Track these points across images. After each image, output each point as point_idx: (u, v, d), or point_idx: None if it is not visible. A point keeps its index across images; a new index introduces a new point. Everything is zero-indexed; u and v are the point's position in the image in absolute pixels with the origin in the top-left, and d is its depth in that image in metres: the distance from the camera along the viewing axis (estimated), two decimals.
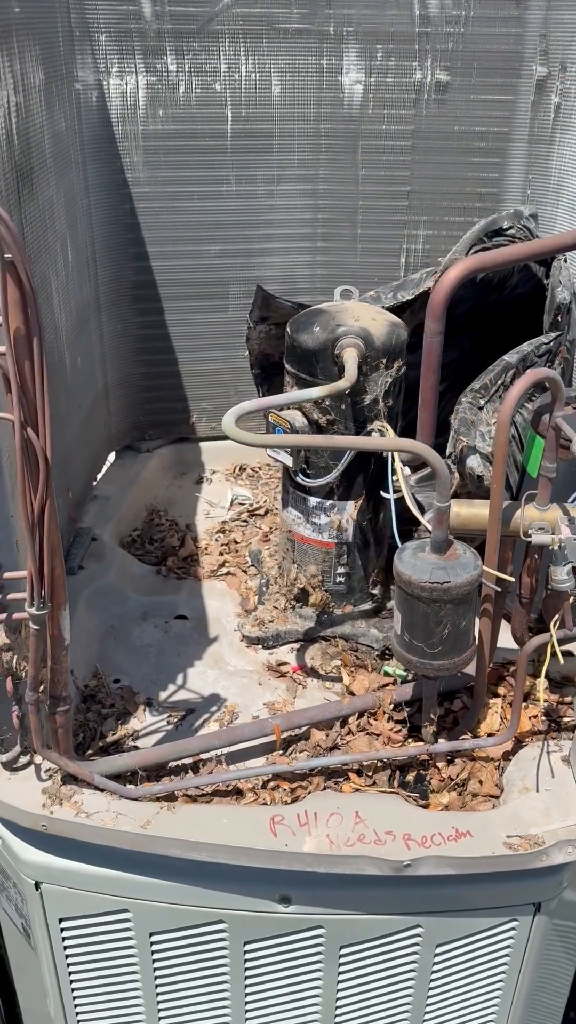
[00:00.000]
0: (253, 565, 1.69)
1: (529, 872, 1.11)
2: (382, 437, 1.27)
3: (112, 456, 2.03)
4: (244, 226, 1.85)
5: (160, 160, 1.76)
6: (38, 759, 1.17)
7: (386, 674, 1.39)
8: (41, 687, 1.08)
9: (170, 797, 1.15)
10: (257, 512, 1.91)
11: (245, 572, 1.71)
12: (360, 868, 1.05)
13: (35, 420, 0.89)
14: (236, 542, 1.81)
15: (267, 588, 1.58)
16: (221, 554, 1.76)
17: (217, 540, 1.81)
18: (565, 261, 1.59)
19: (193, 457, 2.10)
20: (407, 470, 1.22)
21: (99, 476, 1.94)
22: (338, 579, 1.47)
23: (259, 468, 2.08)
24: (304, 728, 1.30)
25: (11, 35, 1.24)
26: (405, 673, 1.37)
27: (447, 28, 1.72)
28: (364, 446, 1.25)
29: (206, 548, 1.78)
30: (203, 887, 1.13)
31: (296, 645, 1.49)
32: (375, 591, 1.51)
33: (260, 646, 1.49)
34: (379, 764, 1.23)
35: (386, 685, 1.36)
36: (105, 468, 1.98)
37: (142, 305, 1.90)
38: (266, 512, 1.91)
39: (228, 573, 1.71)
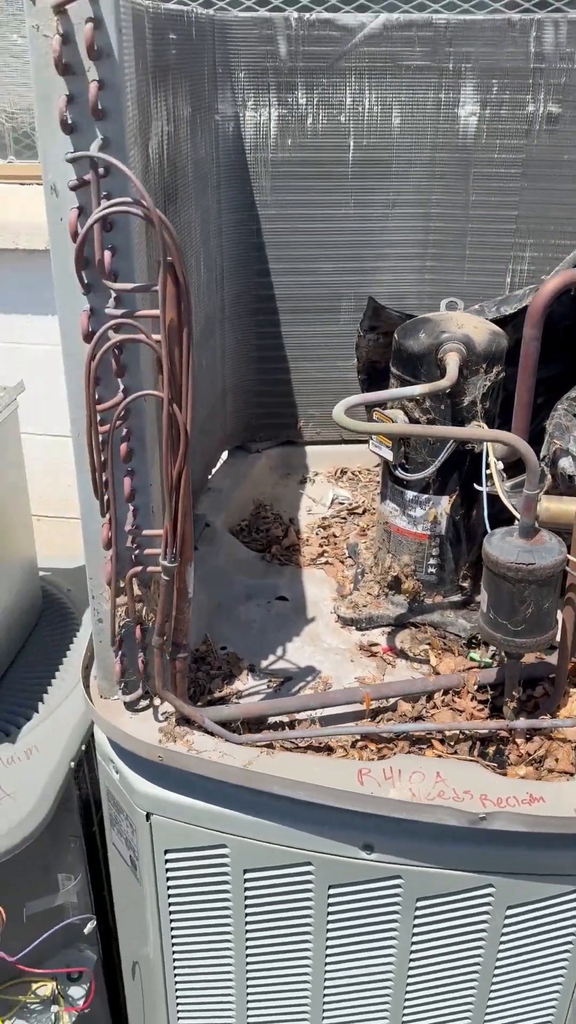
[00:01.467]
0: (350, 556, 1.82)
1: None
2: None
3: (225, 454, 2.20)
4: (359, 246, 2.00)
5: (286, 185, 1.93)
6: (156, 702, 1.32)
7: (471, 660, 1.50)
8: (164, 637, 1.23)
9: (269, 746, 1.29)
10: (356, 511, 2.04)
11: (342, 563, 1.84)
12: (439, 818, 1.16)
13: (180, 399, 1.05)
14: (335, 536, 1.94)
15: (362, 576, 1.70)
16: (320, 546, 1.90)
17: (317, 534, 1.94)
18: None
19: (298, 459, 2.25)
20: (500, 465, 1.33)
21: (213, 471, 2.12)
22: (430, 569, 1.58)
23: (359, 472, 2.21)
24: (392, 700, 1.41)
25: (168, 74, 1.42)
26: (491, 660, 1.47)
27: (560, 64, 1.83)
28: (462, 436, 1.36)
29: (307, 540, 1.92)
30: (295, 828, 1.26)
31: (387, 629, 1.61)
32: (464, 584, 1.61)
33: (354, 627, 1.61)
34: (461, 736, 1.33)
35: (471, 669, 1.47)
36: (219, 464, 2.15)
37: (260, 317, 2.07)
38: (364, 511, 2.04)
39: (326, 562, 1.84)
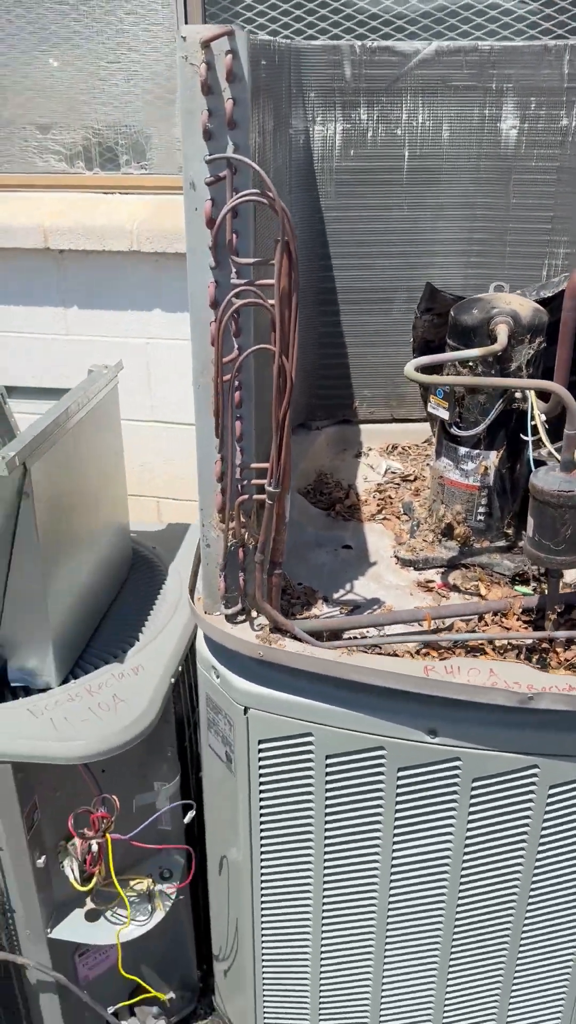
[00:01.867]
0: (405, 513, 2.07)
1: None
2: (525, 396, 1.63)
3: None
4: (411, 244, 2.26)
5: (348, 190, 2.20)
6: (253, 614, 1.58)
7: (516, 591, 1.74)
8: (264, 555, 1.49)
9: (348, 650, 1.54)
10: (408, 479, 2.29)
11: (398, 518, 2.09)
12: (493, 698, 1.40)
13: (288, 351, 1.32)
14: (390, 498, 2.19)
15: (418, 527, 1.95)
16: (378, 505, 2.15)
17: (374, 497, 2.20)
18: None
19: (353, 436, 2.50)
20: (544, 417, 1.57)
21: None
22: (479, 517, 1.83)
23: (408, 447, 2.46)
24: (449, 621, 1.66)
25: (260, 94, 1.70)
26: (532, 592, 1.71)
27: None
28: (512, 384, 1.61)
29: (365, 501, 2.18)
30: (370, 716, 1.51)
31: (441, 569, 1.86)
32: (509, 531, 1.86)
33: (412, 568, 1.86)
34: (509, 646, 1.58)
35: (516, 596, 1.71)
36: None
37: (323, 308, 2.33)
38: (415, 479, 2.29)
39: (384, 519, 2.09)
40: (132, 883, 1.92)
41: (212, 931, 2.05)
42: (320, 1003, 1.87)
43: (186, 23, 2.52)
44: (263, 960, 1.88)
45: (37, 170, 2.76)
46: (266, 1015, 1.96)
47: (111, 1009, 1.95)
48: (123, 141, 2.71)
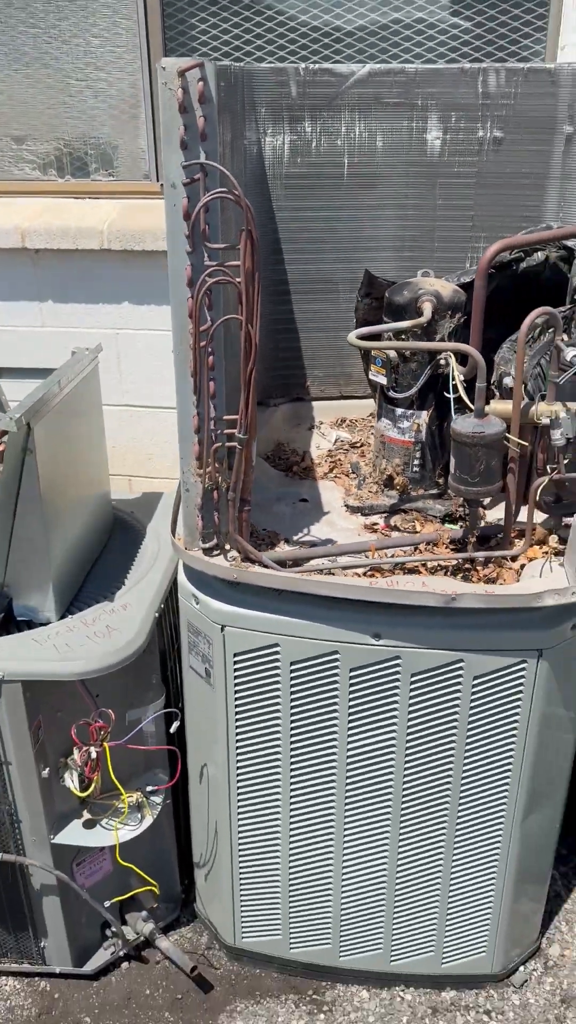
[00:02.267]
0: (353, 471, 2.38)
1: (534, 619, 1.76)
2: (447, 361, 1.96)
3: None
4: (352, 240, 2.57)
5: (295, 193, 2.50)
6: (227, 548, 1.88)
7: (446, 527, 2.07)
8: (235, 493, 1.79)
9: (308, 573, 1.85)
10: (355, 445, 2.61)
11: (346, 476, 2.40)
12: (425, 600, 1.72)
13: (252, 320, 1.62)
14: (339, 461, 2.51)
15: (364, 481, 2.27)
16: (329, 467, 2.47)
17: (326, 460, 2.51)
18: None
19: (306, 412, 2.81)
20: (462, 378, 1.90)
21: None
22: (414, 469, 2.16)
23: (355, 420, 2.78)
24: (391, 552, 1.98)
25: (222, 111, 2.01)
26: (459, 528, 2.04)
27: (502, 100, 2.43)
28: (434, 347, 1.93)
29: (318, 464, 2.49)
30: (326, 625, 1.81)
31: (384, 514, 2.17)
32: (440, 480, 2.18)
33: (359, 514, 2.17)
34: (438, 566, 1.90)
35: (445, 531, 2.04)
36: None
37: (277, 298, 2.63)
38: (361, 445, 2.61)
39: (335, 476, 2.41)
40: (123, 797, 2.19)
41: (193, 840, 2.34)
42: (290, 890, 2.17)
43: (147, 47, 2.82)
44: (239, 857, 2.17)
45: (13, 177, 3.03)
46: (243, 910, 2.25)
47: (107, 903, 2.22)
48: (92, 151, 3.00)
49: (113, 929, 2.30)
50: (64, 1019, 2.21)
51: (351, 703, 1.89)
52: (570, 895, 2.52)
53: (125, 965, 2.35)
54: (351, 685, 1.87)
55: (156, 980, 2.31)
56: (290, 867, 2.14)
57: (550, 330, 1.92)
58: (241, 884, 2.21)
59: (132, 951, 2.36)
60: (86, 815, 2.16)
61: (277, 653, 1.87)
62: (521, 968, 2.30)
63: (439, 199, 2.54)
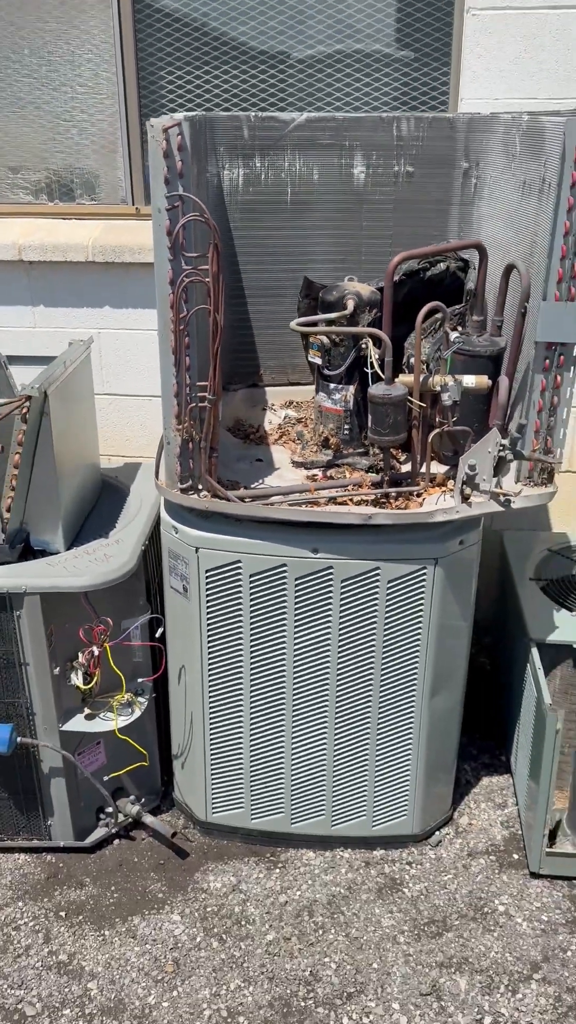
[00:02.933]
0: (297, 438, 2.96)
1: (431, 536, 2.35)
2: (366, 345, 2.54)
3: None
4: (295, 254, 3.15)
5: (248, 216, 3.07)
6: (199, 487, 2.43)
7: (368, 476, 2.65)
8: (207, 443, 2.36)
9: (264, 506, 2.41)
10: (300, 420, 3.19)
11: (293, 442, 2.98)
12: (349, 519, 2.30)
13: (218, 310, 2.19)
14: (287, 431, 3.08)
15: (306, 445, 2.85)
16: (279, 436, 3.04)
17: (276, 431, 3.09)
18: (471, 264, 2.88)
19: (260, 396, 3.38)
20: (377, 356, 2.48)
21: None
22: (344, 431, 2.73)
23: (300, 402, 3.36)
24: (326, 493, 2.55)
25: (187, 150, 2.58)
26: (379, 476, 2.62)
27: (412, 142, 3.04)
28: (356, 331, 2.51)
29: (270, 434, 3.06)
30: (276, 543, 2.38)
31: (322, 468, 2.75)
32: (365, 441, 2.77)
33: (303, 468, 2.74)
34: (361, 500, 2.48)
35: (367, 477, 2.62)
36: None
37: (235, 301, 3.19)
38: (304, 420, 3.19)
39: (284, 443, 2.98)
40: (116, 697, 2.72)
41: (172, 736, 2.87)
42: (251, 769, 2.72)
43: (124, 94, 3.40)
44: (210, 743, 2.71)
45: (9, 201, 3.58)
46: (213, 789, 2.79)
47: (105, 778, 2.75)
48: (76, 179, 3.55)
49: (108, 810, 2.82)
50: (68, 881, 2.73)
51: (296, 605, 2.46)
52: (478, 783, 3.10)
53: (116, 841, 2.87)
54: (296, 590, 2.44)
55: (142, 851, 2.84)
56: (251, 749, 2.69)
57: (437, 323, 2.52)
58: (212, 767, 2.76)
59: (122, 831, 2.89)
60: (87, 710, 2.69)
61: (239, 568, 2.43)
62: (436, 832, 2.88)
63: (364, 220, 3.14)
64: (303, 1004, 2.34)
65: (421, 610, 2.47)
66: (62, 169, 3.56)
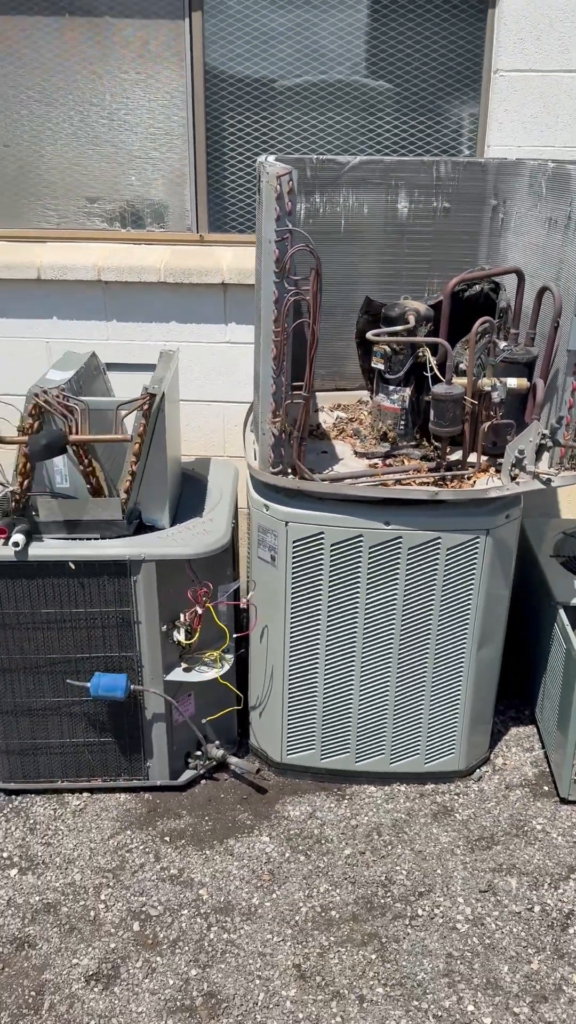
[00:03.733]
0: (354, 435, 3.45)
1: (483, 510, 2.84)
2: (424, 353, 3.04)
3: None
4: (346, 277, 3.66)
5: (320, 245, 3.58)
6: (288, 472, 2.90)
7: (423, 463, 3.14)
8: (297, 433, 2.83)
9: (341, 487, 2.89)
10: (351, 420, 3.68)
11: (350, 437, 3.46)
12: (418, 495, 2.79)
13: (315, 323, 2.68)
14: (343, 429, 3.57)
15: (364, 438, 3.34)
16: (336, 432, 3.53)
17: (333, 429, 3.57)
18: (502, 287, 3.40)
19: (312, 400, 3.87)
20: (434, 362, 2.97)
21: None
22: (400, 427, 3.23)
23: (347, 405, 3.85)
24: (390, 477, 3.04)
25: (294, 192, 3.07)
26: (433, 463, 3.11)
27: (449, 181, 3.57)
28: (420, 341, 3.01)
29: (329, 431, 3.55)
30: (354, 517, 2.86)
31: (381, 457, 3.23)
32: (418, 435, 3.26)
33: (364, 458, 3.23)
34: (422, 482, 2.96)
35: (423, 465, 3.10)
36: None
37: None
38: (353, 419, 3.67)
39: (342, 438, 3.47)
40: (207, 655, 3.17)
41: (250, 689, 3.32)
42: (323, 714, 3.18)
43: (193, 133, 3.88)
44: (288, 692, 3.17)
45: (88, 228, 4.04)
46: (288, 734, 3.24)
47: (203, 721, 3.19)
48: (147, 209, 4.03)
49: (197, 753, 3.27)
50: (167, 814, 3.17)
51: (369, 569, 2.94)
52: (508, 732, 3.59)
53: (203, 782, 3.32)
54: (370, 557, 2.92)
55: (227, 789, 3.28)
56: (324, 696, 3.16)
57: (486, 335, 3.03)
58: (288, 714, 3.21)
59: (207, 773, 3.33)
60: (183, 664, 3.14)
61: (322, 538, 2.91)
62: (478, 769, 3.36)
63: (405, 249, 3.64)
64: (383, 901, 2.80)
65: (474, 573, 2.95)
66: (134, 199, 4.03)
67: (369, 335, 2.96)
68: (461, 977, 2.56)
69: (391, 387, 3.18)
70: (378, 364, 3.16)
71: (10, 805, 3.20)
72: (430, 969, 2.58)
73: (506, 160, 3.49)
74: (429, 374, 2.99)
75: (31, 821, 3.12)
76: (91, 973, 2.58)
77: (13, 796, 3.23)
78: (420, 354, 3.07)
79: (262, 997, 2.50)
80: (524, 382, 2.97)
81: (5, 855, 2.98)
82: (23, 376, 4.00)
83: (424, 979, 2.55)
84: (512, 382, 2.96)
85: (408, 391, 3.17)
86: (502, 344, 2.95)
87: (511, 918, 2.74)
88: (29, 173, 4.01)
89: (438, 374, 2.95)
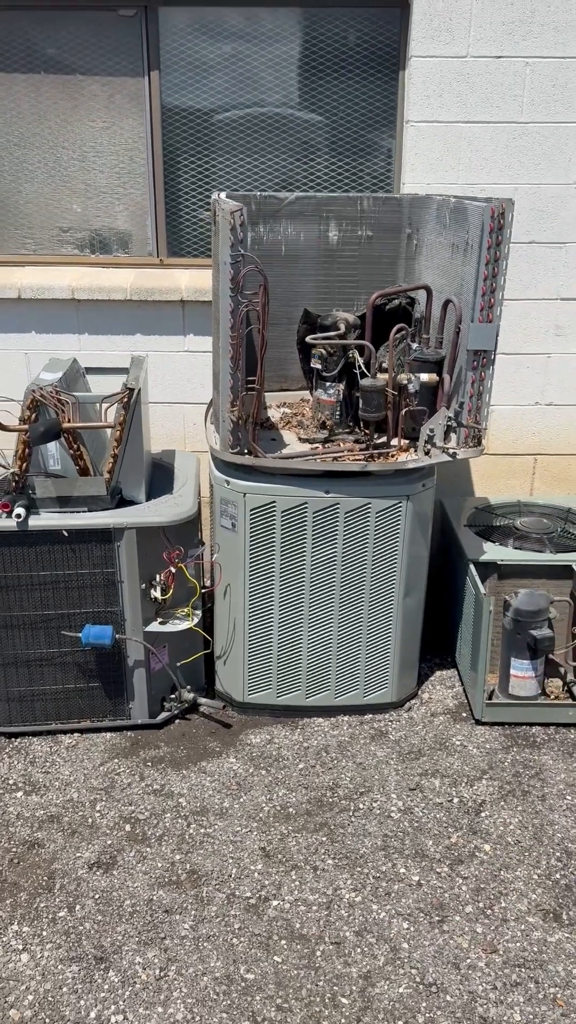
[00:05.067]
0: (298, 425, 4.09)
1: (404, 480, 3.51)
2: (353, 354, 3.70)
3: None
4: (286, 294, 4.31)
5: (265, 267, 4.23)
6: (245, 451, 3.52)
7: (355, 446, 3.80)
8: (251, 418, 3.46)
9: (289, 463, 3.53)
10: (296, 414, 4.32)
11: (295, 428, 4.11)
12: (351, 467, 3.44)
13: (264, 331, 3.32)
14: (289, 421, 4.21)
15: (306, 427, 3.98)
16: (283, 424, 4.17)
17: (280, 421, 4.21)
18: (416, 300, 4.09)
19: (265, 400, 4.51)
20: (361, 361, 3.63)
21: None
22: (336, 416, 3.88)
23: (291, 403, 4.50)
24: (330, 456, 3.68)
25: (246, 224, 3.71)
26: (363, 444, 3.77)
27: (371, 214, 4.26)
28: (349, 343, 3.67)
29: (277, 422, 4.19)
30: (300, 488, 3.49)
31: (321, 442, 3.88)
32: (351, 424, 3.92)
33: (307, 443, 3.87)
34: (356, 459, 3.62)
35: (355, 447, 3.76)
36: None
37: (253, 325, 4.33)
38: (297, 415, 4.32)
39: (288, 428, 4.11)
40: (180, 611, 3.76)
41: (215, 641, 3.92)
42: (278, 658, 3.79)
43: (152, 172, 4.51)
44: (248, 641, 3.78)
45: (62, 254, 4.64)
46: (249, 677, 3.84)
47: (178, 664, 3.77)
48: (114, 237, 4.64)
49: (172, 696, 3.84)
50: (147, 746, 3.73)
51: (313, 532, 3.57)
52: (432, 675, 4.24)
53: (177, 721, 3.89)
54: (313, 521, 3.55)
55: (198, 725, 3.87)
56: (279, 643, 3.77)
57: (403, 339, 3.71)
58: (249, 659, 3.81)
59: (180, 714, 3.91)
60: (159, 619, 3.72)
61: (274, 507, 3.54)
62: (407, 702, 4.00)
63: (336, 270, 4.32)
64: (331, 800, 3.41)
65: (398, 532, 3.61)
66: (102, 229, 4.64)
67: (308, 339, 3.61)
68: (395, 850, 3.18)
69: (327, 383, 3.84)
70: (316, 364, 3.81)
71: (10, 745, 3.73)
72: (370, 846, 3.20)
73: (418, 195, 4.20)
74: (358, 371, 3.66)
75: (30, 756, 3.66)
76: (93, 862, 3.13)
77: (12, 738, 3.76)
78: (350, 355, 3.74)
79: (235, 871, 3.08)
80: (434, 376, 3.66)
81: (11, 782, 3.51)
82: (4, 381, 4.58)
83: (365, 853, 3.17)
84: (424, 377, 3.64)
85: (341, 386, 3.83)
86: (415, 346, 3.64)
87: (435, 808, 3.38)
88: (9, 207, 4.59)
89: (365, 371, 3.61)
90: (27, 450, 3.45)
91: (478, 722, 3.86)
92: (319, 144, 4.62)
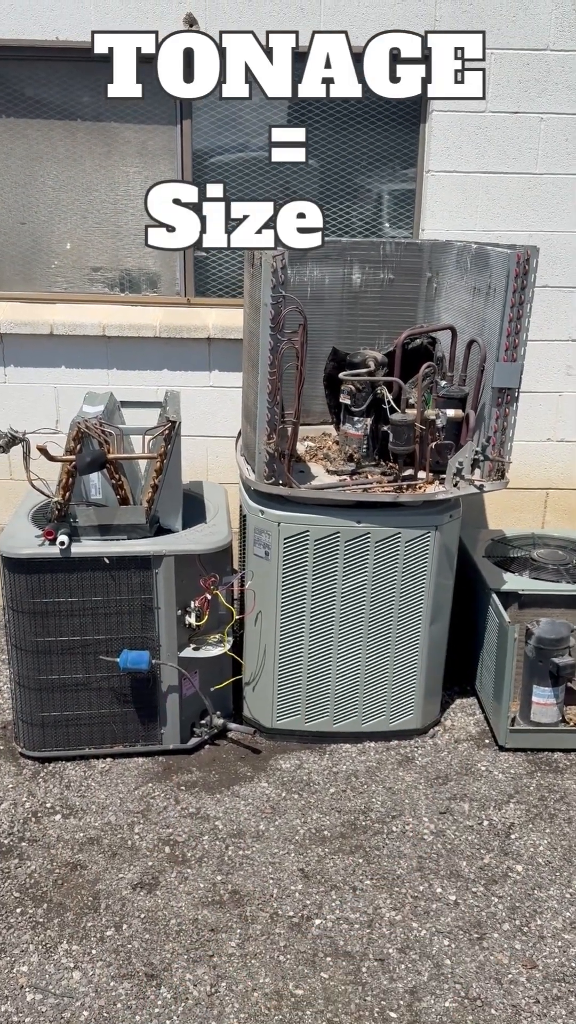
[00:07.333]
0: (324, 458, 4.23)
1: (433, 511, 3.64)
2: (382, 390, 3.86)
3: None
4: (314, 333, 4.48)
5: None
6: (280, 482, 3.65)
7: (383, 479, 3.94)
8: (287, 452, 3.60)
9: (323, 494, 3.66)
10: (320, 447, 4.47)
11: (322, 460, 4.25)
12: (382, 498, 3.57)
13: (303, 367, 3.47)
14: (314, 454, 4.36)
15: (333, 460, 4.13)
16: (310, 457, 4.31)
17: (306, 454, 4.36)
18: (438, 339, 4.27)
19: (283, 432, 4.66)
20: (390, 396, 3.79)
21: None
22: (363, 450, 4.03)
23: (314, 436, 4.64)
24: (360, 487, 3.82)
25: (286, 268, 3.88)
26: (392, 476, 3.91)
27: (392, 257, 4.46)
28: (379, 380, 3.83)
29: (304, 455, 4.33)
30: (333, 517, 3.62)
31: (348, 474, 4.02)
32: (377, 457, 4.06)
33: (335, 475, 4.01)
34: (384, 491, 3.75)
35: (383, 480, 3.90)
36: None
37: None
38: (319, 448, 4.46)
39: (314, 461, 4.25)
40: (212, 637, 3.86)
41: (244, 667, 4.01)
42: (307, 684, 3.89)
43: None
44: (278, 667, 3.87)
45: (93, 292, 4.80)
46: (278, 703, 3.93)
47: (212, 689, 3.85)
48: (142, 278, 4.81)
49: (203, 721, 3.92)
50: (180, 771, 3.80)
51: (345, 560, 3.70)
52: (453, 703, 4.35)
53: (207, 747, 3.96)
54: (345, 550, 3.68)
55: (227, 750, 3.94)
56: (308, 669, 3.87)
57: (430, 376, 3.88)
58: (278, 685, 3.91)
59: (210, 740, 3.98)
60: (193, 644, 3.82)
61: (307, 535, 3.66)
62: (431, 728, 4.10)
63: (359, 311, 4.50)
64: (364, 823, 3.49)
65: (426, 561, 3.74)
66: (132, 269, 4.81)
67: (341, 375, 3.77)
68: (430, 871, 3.26)
69: (356, 418, 3.99)
70: (345, 400, 3.97)
71: (44, 769, 3.79)
72: (405, 867, 3.28)
73: (438, 241, 4.40)
74: (387, 406, 3.81)
75: (65, 780, 3.72)
76: (136, 883, 3.18)
77: (46, 763, 3.82)
78: (379, 391, 3.90)
79: (276, 891, 3.15)
80: (460, 412, 3.82)
81: (48, 805, 3.57)
82: (36, 413, 4.71)
83: (401, 874, 3.25)
84: (450, 412, 3.80)
85: (369, 421, 3.98)
86: (442, 383, 3.80)
87: (466, 830, 3.47)
88: (43, 246, 4.76)
89: (395, 406, 3.77)
90: (71, 480, 3.56)
91: (501, 748, 3.96)
92: (342, 191, 4.83)
